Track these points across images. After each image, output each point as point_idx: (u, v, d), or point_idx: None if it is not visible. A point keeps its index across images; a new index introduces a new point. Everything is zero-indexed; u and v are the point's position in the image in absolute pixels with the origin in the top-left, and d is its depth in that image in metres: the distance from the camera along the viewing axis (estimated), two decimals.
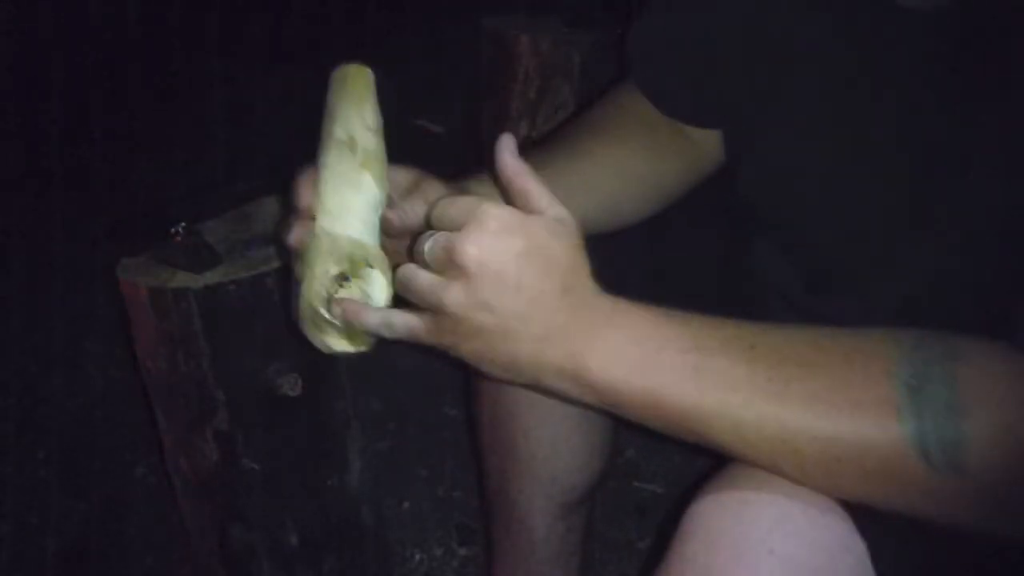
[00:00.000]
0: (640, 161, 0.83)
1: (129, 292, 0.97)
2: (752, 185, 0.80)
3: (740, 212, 0.82)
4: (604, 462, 0.96)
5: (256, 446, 1.01)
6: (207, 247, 0.97)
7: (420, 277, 0.56)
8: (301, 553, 1.08)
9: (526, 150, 0.60)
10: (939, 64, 0.62)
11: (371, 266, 0.62)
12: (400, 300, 0.61)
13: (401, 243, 0.67)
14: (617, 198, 0.81)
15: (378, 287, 0.62)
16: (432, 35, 2.68)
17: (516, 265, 0.53)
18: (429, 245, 0.56)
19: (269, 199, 1.09)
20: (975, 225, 0.62)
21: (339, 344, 0.63)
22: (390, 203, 0.65)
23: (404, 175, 0.69)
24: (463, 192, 0.69)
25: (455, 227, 0.54)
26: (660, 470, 1.45)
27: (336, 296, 0.61)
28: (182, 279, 0.94)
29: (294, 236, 0.64)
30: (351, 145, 0.63)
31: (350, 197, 0.62)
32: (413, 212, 0.65)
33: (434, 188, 0.68)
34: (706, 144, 0.85)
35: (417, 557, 1.32)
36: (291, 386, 0.99)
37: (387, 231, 0.65)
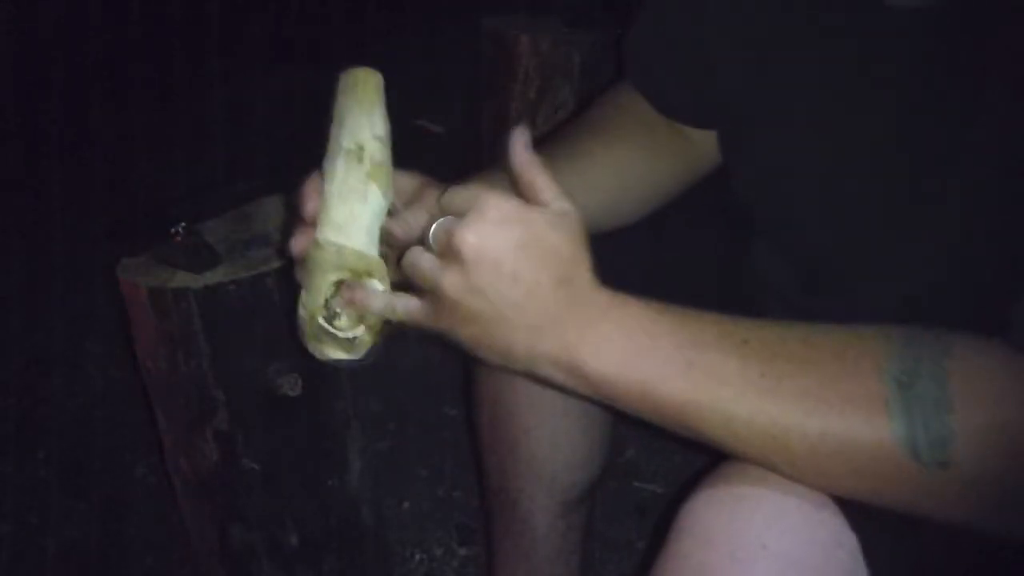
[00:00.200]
0: (639, 161, 0.83)
1: (129, 292, 0.97)
2: (749, 185, 0.80)
3: (738, 213, 0.82)
4: (604, 459, 0.97)
5: (256, 446, 1.01)
6: (207, 247, 0.97)
7: (423, 259, 0.57)
8: (301, 553, 1.08)
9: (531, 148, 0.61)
10: (935, 63, 0.62)
11: (371, 276, 0.62)
12: None
13: (400, 252, 0.67)
14: (616, 197, 0.81)
15: None
16: (432, 35, 2.69)
17: (513, 255, 0.54)
18: (434, 229, 0.58)
19: (269, 199, 1.10)
20: (970, 225, 0.62)
21: (335, 353, 0.64)
22: (393, 210, 0.65)
23: (408, 181, 0.69)
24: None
25: (460, 214, 0.56)
26: (660, 470, 1.45)
27: (333, 303, 0.62)
28: (182, 279, 0.94)
29: (297, 245, 0.64)
30: (359, 155, 0.63)
31: (357, 209, 0.62)
32: (416, 222, 0.65)
33: (437, 197, 0.68)
34: (704, 144, 0.85)
35: (417, 557, 1.32)
36: (291, 386, 0.99)
37: (389, 243, 0.65)
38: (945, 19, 0.61)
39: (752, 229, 0.84)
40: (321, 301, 0.62)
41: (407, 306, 0.59)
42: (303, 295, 0.63)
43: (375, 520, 1.17)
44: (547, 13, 1.72)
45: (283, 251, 0.68)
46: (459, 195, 0.58)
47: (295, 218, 0.66)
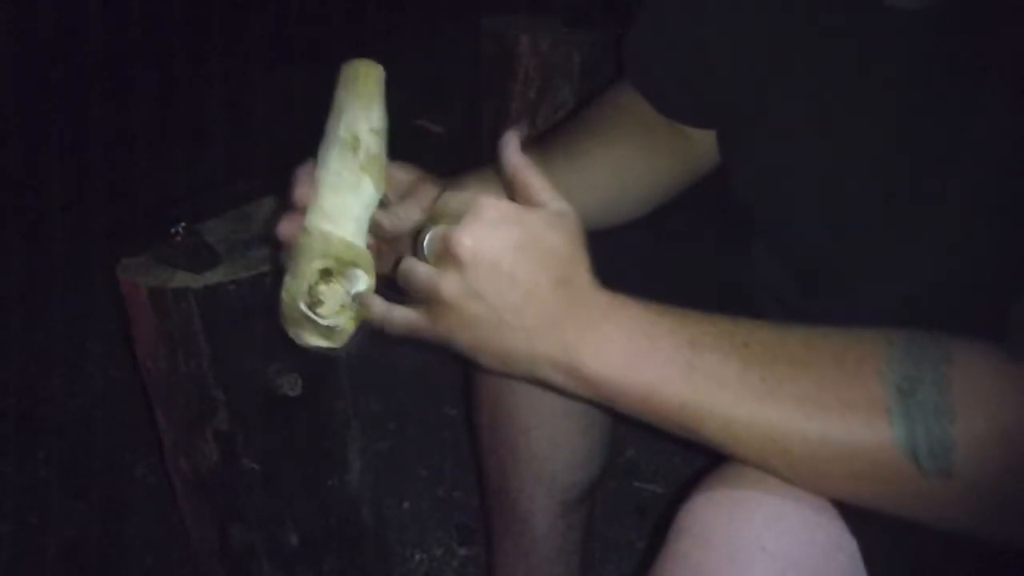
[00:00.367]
0: (637, 160, 0.83)
1: (129, 292, 0.97)
2: (748, 186, 0.80)
3: (737, 213, 0.82)
4: (604, 459, 0.97)
5: (256, 446, 1.01)
6: (207, 247, 0.97)
7: (418, 268, 0.57)
8: (301, 553, 1.08)
9: (524, 148, 0.60)
10: (935, 64, 0.62)
11: (357, 266, 0.62)
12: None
13: (387, 243, 0.68)
14: (615, 196, 0.81)
15: (362, 286, 0.63)
16: (432, 35, 2.69)
17: (511, 257, 0.53)
18: (428, 238, 0.57)
19: (269, 199, 1.10)
20: (970, 225, 0.62)
21: (314, 339, 0.64)
22: (386, 202, 0.65)
23: (404, 174, 0.69)
24: (461, 188, 0.70)
25: (455, 219, 0.55)
26: (660, 470, 1.45)
27: (317, 290, 0.62)
28: (182, 279, 0.94)
29: (285, 229, 0.65)
30: (354, 146, 0.63)
31: (348, 199, 0.63)
32: (407, 217, 0.65)
33: (431, 192, 0.68)
34: (704, 144, 0.85)
35: (417, 557, 1.32)
36: (291, 386, 0.99)
37: (377, 233, 0.65)
38: (945, 19, 0.61)
39: (751, 229, 0.84)
40: (305, 287, 0.62)
41: (405, 317, 0.59)
42: (287, 279, 0.63)
43: (375, 520, 1.17)
44: (547, 13, 1.72)
45: (270, 234, 0.68)
46: (454, 199, 0.58)
47: (286, 203, 0.66)
